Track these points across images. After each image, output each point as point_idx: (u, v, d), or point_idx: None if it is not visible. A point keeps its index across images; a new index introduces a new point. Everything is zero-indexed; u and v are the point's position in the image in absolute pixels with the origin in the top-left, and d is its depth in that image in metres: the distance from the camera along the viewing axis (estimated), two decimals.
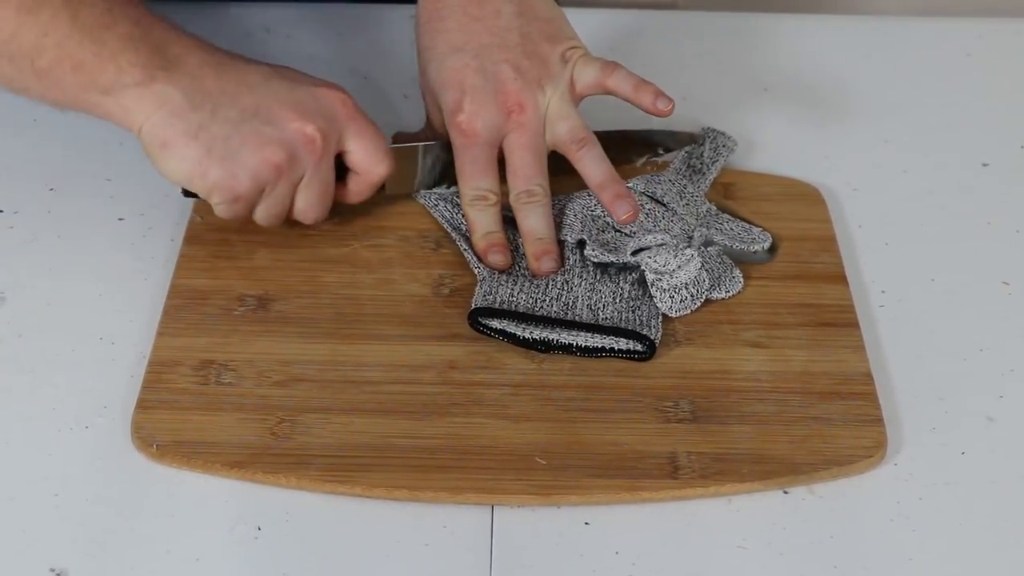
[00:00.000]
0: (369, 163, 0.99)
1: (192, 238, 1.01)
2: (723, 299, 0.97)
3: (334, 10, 1.24)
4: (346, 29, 1.22)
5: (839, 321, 0.96)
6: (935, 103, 1.18)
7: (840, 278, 1.00)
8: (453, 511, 0.86)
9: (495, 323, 0.94)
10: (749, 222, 1.03)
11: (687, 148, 1.08)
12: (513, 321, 0.94)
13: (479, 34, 1.01)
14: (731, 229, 1.02)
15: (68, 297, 0.98)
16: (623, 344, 0.94)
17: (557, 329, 0.94)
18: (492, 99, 1.00)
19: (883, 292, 1.00)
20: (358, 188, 1.00)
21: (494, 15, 1.02)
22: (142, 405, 0.90)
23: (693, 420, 0.90)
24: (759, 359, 0.94)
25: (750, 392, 0.92)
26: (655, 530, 0.85)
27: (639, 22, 1.24)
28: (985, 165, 1.11)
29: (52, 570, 0.82)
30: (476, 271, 0.98)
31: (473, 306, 0.95)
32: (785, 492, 0.87)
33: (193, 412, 0.89)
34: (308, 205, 0.98)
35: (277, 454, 0.87)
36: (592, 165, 1.00)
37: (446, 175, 1.05)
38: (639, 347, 0.93)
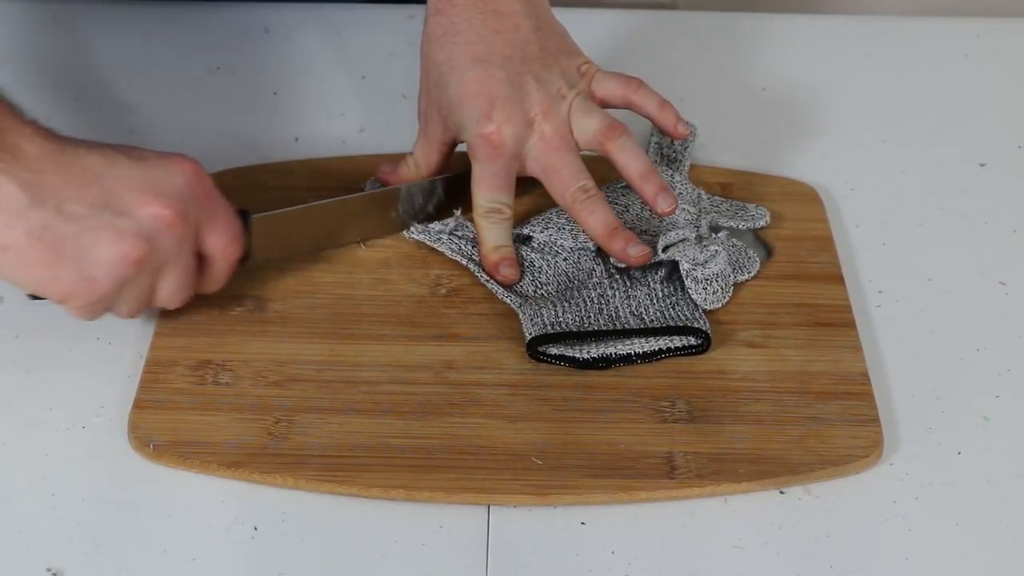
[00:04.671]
0: (223, 248, 0.92)
1: None
2: (747, 280, 0.98)
3: (334, 10, 1.24)
4: (346, 29, 1.22)
5: (836, 321, 0.96)
6: (933, 103, 1.17)
7: (837, 278, 1.00)
8: (449, 511, 0.86)
9: (554, 350, 0.93)
10: (742, 200, 1.04)
11: (655, 139, 1.08)
12: (568, 344, 0.93)
13: (500, 46, 0.99)
14: (728, 209, 1.03)
15: None
16: (678, 341, 0.94)
17: (611, 342, 0.94)
18: (519, 109, 0.98)
19: (880, 292, 1.00)
20: (213, 275, 0.93)
21: (513, 29, 1.00)
22: (139, 405, 0.90)
23: (690, 420, 0.90)
24: (756, 359, 0.94)
25: (747, 392, 0.92)
26: (651, 530, 0.85)
27: (639, 22, 1.24)
28: (983, 165, 1.11)
29: (49, 570, 0.82)
30: (507, 301, 0.97)
31: (528, 336, 0.93)
32: (782, 492, 0.87)
33: (190, 412, 0.89)
34: (172, 292, 0.91)
35: (274, 454, 0.87)
36: (629, 156, 0.98)
37: (441, 212, 1.03)
38: (694, 341, 0.93)
